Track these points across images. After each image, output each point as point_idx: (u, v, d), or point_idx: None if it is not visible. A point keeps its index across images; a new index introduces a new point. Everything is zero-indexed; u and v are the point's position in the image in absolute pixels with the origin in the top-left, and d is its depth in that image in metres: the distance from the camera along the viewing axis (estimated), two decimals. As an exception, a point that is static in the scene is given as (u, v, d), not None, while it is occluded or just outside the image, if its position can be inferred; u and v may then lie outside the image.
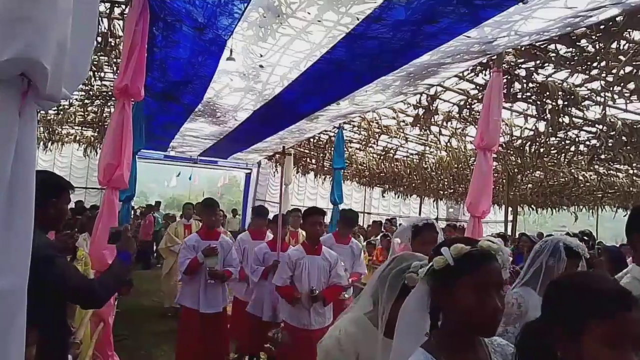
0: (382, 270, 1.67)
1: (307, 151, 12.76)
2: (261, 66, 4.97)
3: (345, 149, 9.14)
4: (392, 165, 12.48)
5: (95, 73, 6.21)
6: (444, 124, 7.67)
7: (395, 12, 3.35)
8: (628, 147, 6.77)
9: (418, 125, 7.80)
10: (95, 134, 11.75)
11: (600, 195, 12.74)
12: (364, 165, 13.01)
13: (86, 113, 9.79)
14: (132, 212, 10.37)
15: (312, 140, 11.00)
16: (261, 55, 4.69)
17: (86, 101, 8.65)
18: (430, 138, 9.53)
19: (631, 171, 9.62)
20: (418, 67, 4.63)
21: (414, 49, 4.06)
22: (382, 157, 11.82)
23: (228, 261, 4.24)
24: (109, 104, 8.47)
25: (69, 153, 13.66)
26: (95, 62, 5.75)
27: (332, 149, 9.11)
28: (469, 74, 5.66)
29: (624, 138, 6.28)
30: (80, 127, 11.64)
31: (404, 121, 8.41)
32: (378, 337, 1.56)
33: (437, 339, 1.27)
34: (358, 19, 3.50)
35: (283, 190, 9.38)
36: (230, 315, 4.71)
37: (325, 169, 13.99)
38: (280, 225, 4.42)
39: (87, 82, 6.53)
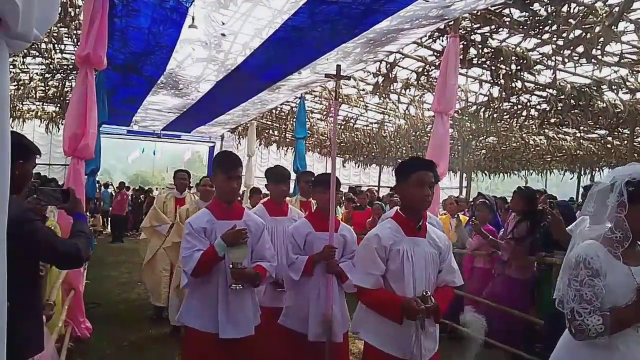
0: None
1: (269, 123, 12.78)
2: (223, 34, 4.94)
3: (307, 120, 9.26)
4: (353, 134, 12.71)
5: (56, 45, 5.99)
6: (403, 91, 7.89)
7: (357, -23, 3.44)
8: (576, 111, 7.06)
9: (377, 93, 7.98)
10: (57, 109, 11.34)
11: (549, 159, 13.42)
12: (325, 135, 13.17)
13: (47, 88, 9.48)
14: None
15: (274, 111, 11.02)
16: (223, 23, 4.67)
17: (47, 75, 8.35)
18: (389, 106, 9.76)
19: (578, 134, 10.18)
20: (378, 33, 4.76)
21: (374, 14, 4.17)
22: (342, 127, 12.01)
23: (259, 252, 2.68)
24: (70, 77, 8.21)
25: (31, 130, 13.09)
26: (55, 34, 5.55)
27: (294, 119, 9.19)
28: (426, 40, 5.84)
29: (572, 102, 6.61)
30: (41, 103, 11.29)
31: (363, 89, 8.58)
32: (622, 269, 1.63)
33: None
34: (320, -16, 3.57)
35: (246, 162, 9.42)
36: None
37: (288, 140, 14.07)
38: (334, 191, 2.80)
39: (47, 54, 6.27)
